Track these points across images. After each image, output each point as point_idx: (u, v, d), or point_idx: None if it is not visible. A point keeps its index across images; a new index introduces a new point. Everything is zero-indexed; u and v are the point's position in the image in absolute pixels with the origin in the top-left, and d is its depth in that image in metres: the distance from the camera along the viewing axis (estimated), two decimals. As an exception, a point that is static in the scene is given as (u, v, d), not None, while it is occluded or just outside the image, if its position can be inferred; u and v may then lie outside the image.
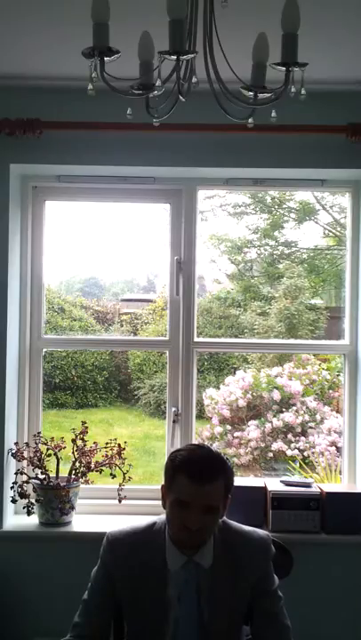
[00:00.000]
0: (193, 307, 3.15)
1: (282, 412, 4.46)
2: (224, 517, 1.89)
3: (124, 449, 3.02)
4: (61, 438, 3.03)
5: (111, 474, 2.99)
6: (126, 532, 1.90)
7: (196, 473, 1.74)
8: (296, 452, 4.29)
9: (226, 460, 1.84)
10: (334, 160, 2.94)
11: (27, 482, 2.93)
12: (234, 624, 1.86)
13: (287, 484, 2.98)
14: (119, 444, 3.02)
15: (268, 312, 4.79)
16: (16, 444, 3.02)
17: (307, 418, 4.43)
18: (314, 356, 4.65)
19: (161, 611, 1.82)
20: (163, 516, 1.89)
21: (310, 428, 4.41)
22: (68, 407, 4.87)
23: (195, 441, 3.17)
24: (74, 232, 3.95)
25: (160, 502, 1.88)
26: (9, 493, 2.93)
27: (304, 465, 4.09)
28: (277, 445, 4.32)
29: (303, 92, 1.47)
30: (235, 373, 4.63)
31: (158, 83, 1.50)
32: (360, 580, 2.92)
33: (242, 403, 4.46)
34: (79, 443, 2.99)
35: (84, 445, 3.00)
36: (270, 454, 4.36)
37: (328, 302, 4.85)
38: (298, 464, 4.05)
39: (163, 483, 1.85)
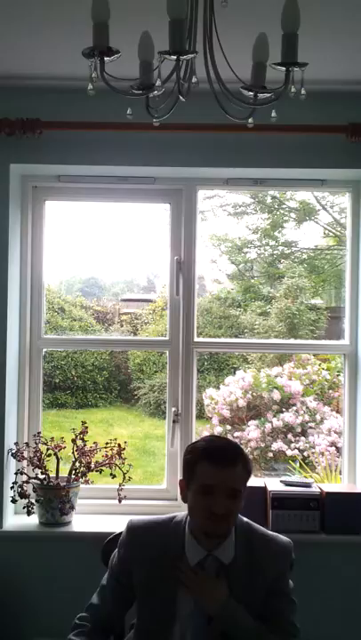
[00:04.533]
0: (193, 307, 3.15)
1: (282, 411, 4.46)
2: (249, 520, 1.95)
3: (124, 449, 3.02)
4: (61, 438, 3.03)
5: (111, 474, 2.99)
6: (147, 520, 1.97)
7: (217, 457, 1.81)
8: (296, 451, 4.29)
9: (242, 448, 1.91)
10: (334, 160, 2.94)
11: (27, 482, 2.93)
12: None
13: (287, 483, 2.98)
14: (119, 444, 3.02)
15: (268, 312, 4.79)
16: (16, 444, 3.02)
17: (307, 418, 4.43)
18: (314, 356, 4.65)
19: (172, 602, 1.84)
20: (183, 512, 1.94)
21: (310, 428, 4.41)
22: (68, 407, 4.87)
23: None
24: (74, 232, 3.95)
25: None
26: (9, 493, 2.93)
27: (304, 465, 4.09)
28: (277, 445, 4.32)
29: (303, 92, 1.47)
30: (235, 373, 4.63)
31: (158, 83, 1.50)
32: (360, 580, 2.92)
33: (242, 403, 4.46)
34: (79, 443, 2.99)
35: (84, 445, 3.00)
36: (270, 454, 4.36)
37: (328, 302, 4.85)
38: (298, 464, 4.05)
39: (180, 477, 1.92)
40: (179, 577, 1.84)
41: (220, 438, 1.96)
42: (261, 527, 1.99)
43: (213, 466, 1.80)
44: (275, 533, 1.98)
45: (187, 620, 1.83)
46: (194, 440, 3.16)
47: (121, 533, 1.99)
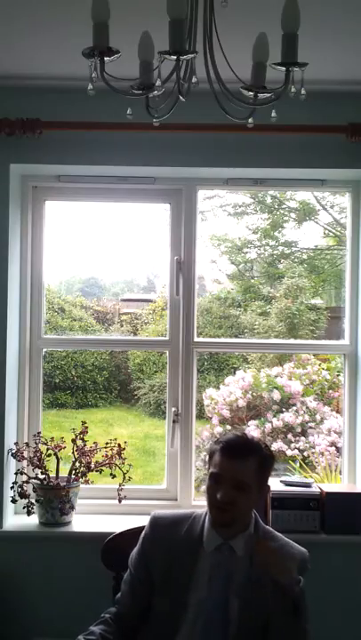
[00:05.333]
0: (193, 307, 3.15)
1: (282, 411, 4.46)
2: (270, 527, 2.04)
3: (124, 449, 3.02)
4: (61, 438, 3.03)
5: (111, 474, 2.99)
6: (169, 513, 2.08)
7: (229, 449, 1.91)
8: (296, 452, 4.29)
9: (262, 447, 1.97)
10: (334, 160, 2.94)
11: (27, 482, 2.93)
12: (258, 619, 1.89)
13: (287, 483, 2.98)
14: (119, 444, 3.02)
15: (268, 312, 4.78)
16: (16, 444, 3.02)
17: (307, 418, 4.43)
18: (314, 356, 4.64)
19: (186, 590, 1.90)
20: (205, 508, 2.01)
21: (310, 428, 4.40)
22: (68, 407, 4.86)
23: (195, 441, 3.19)
24: (74, 232, 3.95)
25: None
26: (9, 493, 2.93)
27: (304, 465, 4.09)
28: (277, 445, 4.32)
29: (303, 92, 1.47)
30: (235, 373, 4.63)
31: (158, 83, 1.50)
32: (360, 580, 2.92)
33: (242, 403, 4.46)
34: (79, 443, 2.99)
35: (84, 445, 3.00)
36: (270, 454, 4.35)
37: (328, 302, 4.85)
38: (298, 464, 4.05)
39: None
40: (198, 562, 1.91)
41: (243, 434, 2.02)
42: (280, 534, 2.05)
43: (224, 457, 1.90)
44: (292, 541, 2.05)
45: (199, 606, 1.88)
46: (194, 440, 3.17)
47: (125, 533, 2.03)
